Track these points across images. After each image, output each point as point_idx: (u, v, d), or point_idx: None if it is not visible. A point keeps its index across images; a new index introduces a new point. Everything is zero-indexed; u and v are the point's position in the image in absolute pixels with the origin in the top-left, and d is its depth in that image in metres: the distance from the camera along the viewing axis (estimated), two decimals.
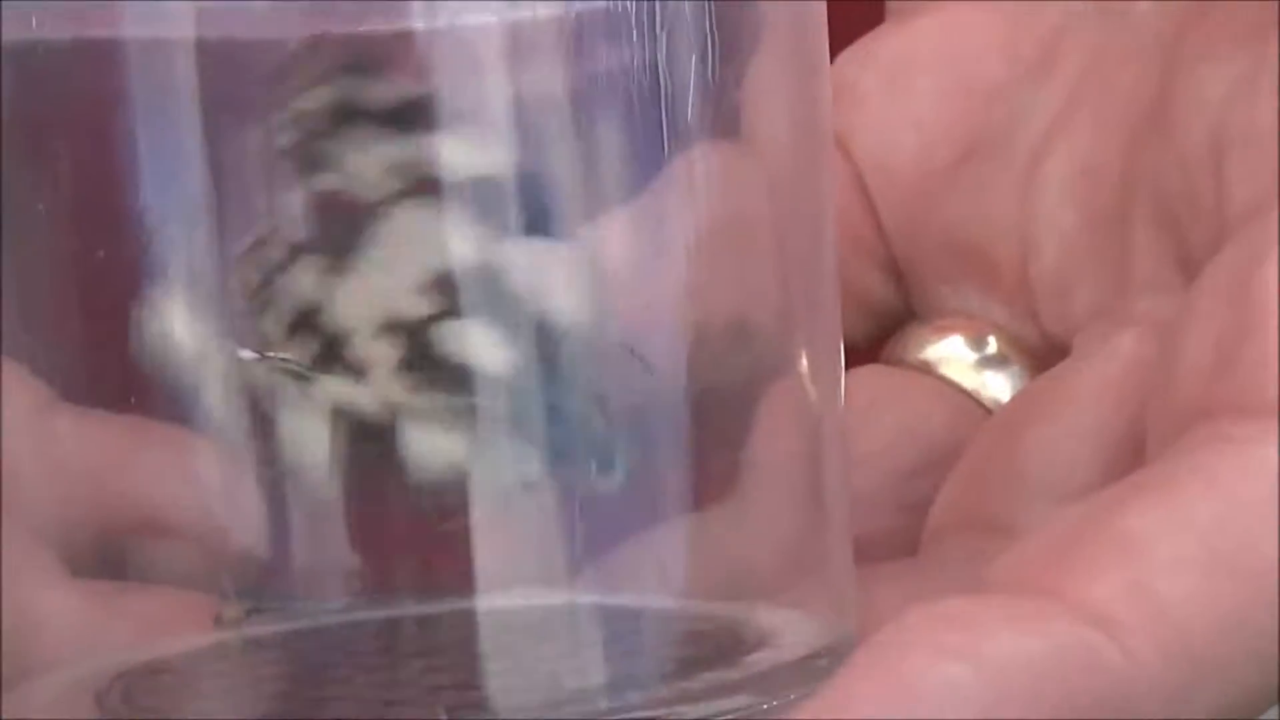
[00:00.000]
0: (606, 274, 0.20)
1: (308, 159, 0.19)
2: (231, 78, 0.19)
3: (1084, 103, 0.27)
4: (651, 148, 0.19)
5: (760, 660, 0.20)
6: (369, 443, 0.19)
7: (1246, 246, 0.21)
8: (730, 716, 0.19)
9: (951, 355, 0.27)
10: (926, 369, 0.27)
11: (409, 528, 0.19)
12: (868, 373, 0.27)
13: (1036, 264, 0.27)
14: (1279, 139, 0.23)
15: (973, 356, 0.27)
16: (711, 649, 0.20)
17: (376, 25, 0.19)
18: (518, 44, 0.19)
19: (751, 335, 0.21)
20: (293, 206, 0.19)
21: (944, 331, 0.27)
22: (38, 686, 0.20)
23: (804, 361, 0.21)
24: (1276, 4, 0.23)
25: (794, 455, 0.21)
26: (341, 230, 0.19)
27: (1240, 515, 0.19)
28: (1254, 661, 0.18)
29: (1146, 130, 0.26)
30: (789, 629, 0.20)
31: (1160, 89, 0.26)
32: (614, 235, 0.19)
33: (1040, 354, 0.27)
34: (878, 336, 0.28)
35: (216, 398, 0.19)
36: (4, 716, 0.20)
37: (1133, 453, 0.24)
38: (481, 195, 0.19)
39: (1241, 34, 0.24)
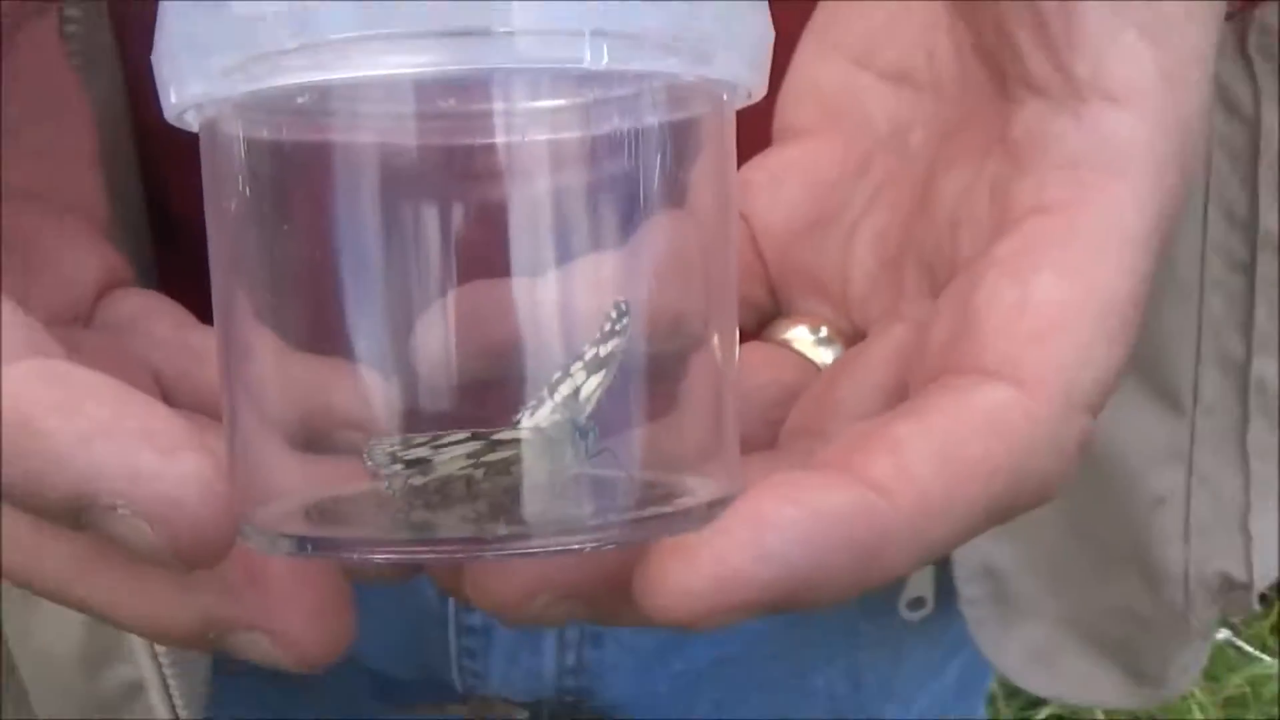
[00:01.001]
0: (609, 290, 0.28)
1: None
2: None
3: (882, 196, 0.38)
4: (633, 213, 0.28)
5: (687, 503, 0.28)
6: None
7: (966, 279, 0.30)
8: (668, 535, 0.26)
9: (800, 337, 0.39)
10: (786, 345, 0.39)
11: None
12: (751, 347, 0.39)
13: (851, 287, 0.38)
14: (988, 220, 0.32)
15: (811, 338, 0.38)
16: (659, 496, 0.28)
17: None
18: (560, 156, 0.27)
19: (685, 325, 0.29)
20: None
21: (796, 323, 0.39)
22: (271, 509, 0.29)
23: (715, 340, 0.29)
24: (997, 134, 0.32)
25: (707, 392, 0.30)
26: None
27: (961, 430, 0.27)
28: (966, 519, 0.27)
29: (917, 213, 0.35)
30: (703, 488, 0.29)
31: (925, 188, 0.35)
32: (611, 268, 0.28)
33: (851, 338, 0.38)
34: (759, 326, 0.40)
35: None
36: (255, 524, 0.28)
37: (899, 395, 0.32)
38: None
39: (968, 154, 0.34)
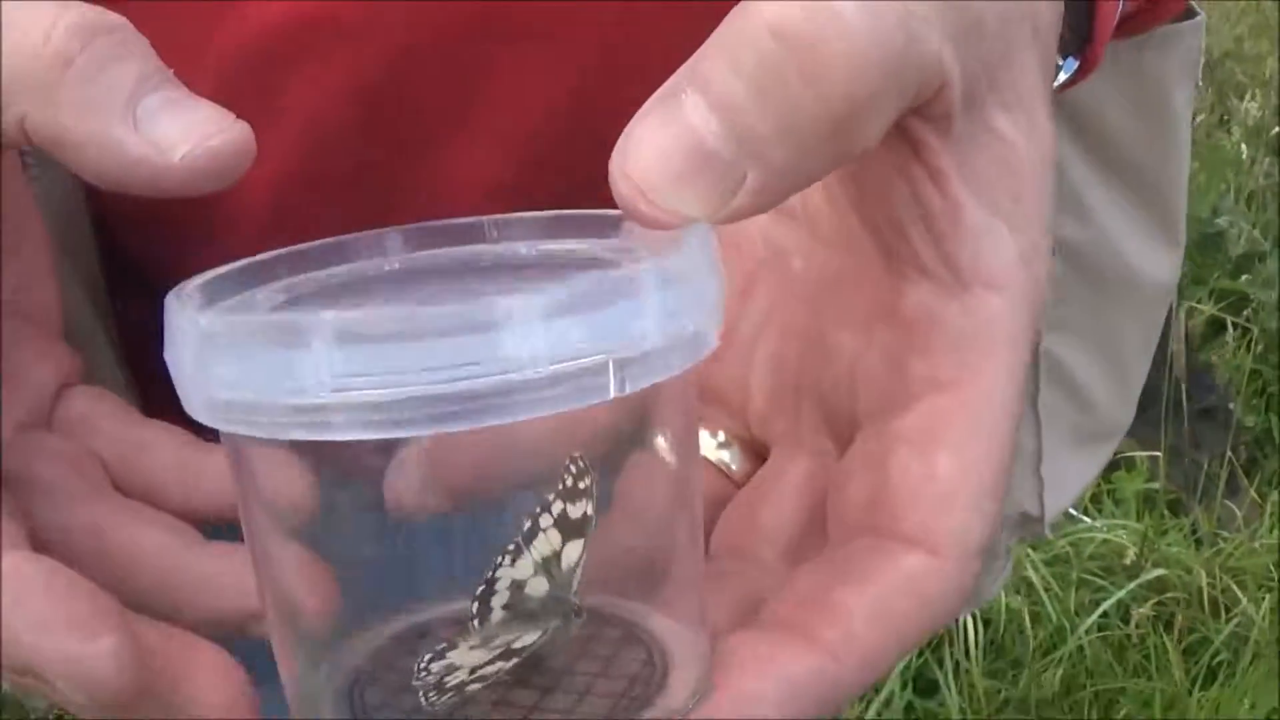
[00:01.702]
0: None
1: None
2: None
3: (773, 320, 0.41)
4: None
5: (673, 700, 0.33)
6: None
7: (876, 447, 0.36)
8: None
9: (703, 442, 0.42)
10: None
11: None
12: None
13: (751, 403, 0.42)
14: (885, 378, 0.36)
15: (713, 442, 0.43)
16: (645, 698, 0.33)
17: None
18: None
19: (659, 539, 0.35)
20: None
21: (702, 429, 0.42)
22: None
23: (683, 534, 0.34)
24: (885, 301, 0.37)
25: (688, 589, 0.35)
26: None
27: (890, 595, 0.33)
28: (890, 663, 0.33)
29: (812, 353, 0.40)
30: (686, 682, 0.33)
31: (817, 333, 0.40)
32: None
33: (748, 444, 0.42)
34: None
35: None
36: None
37: (810, 523, 0.38)
38: None
39: (857, 315, 0.38)
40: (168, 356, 0.30)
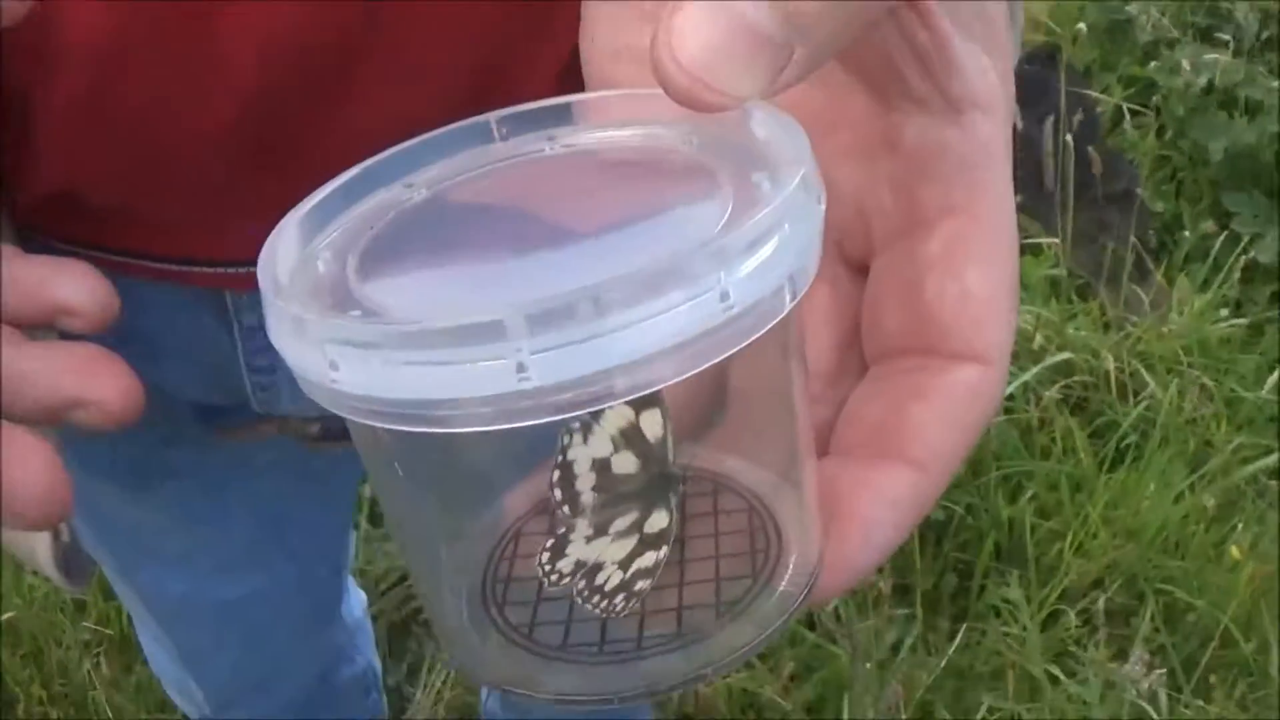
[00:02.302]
0: None
1: None
2: None
3: None
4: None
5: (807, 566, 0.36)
6: None
7: (906, 274, 0.38)
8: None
9: None
10: None
11: None
12: None
13: None
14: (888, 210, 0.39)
15: None
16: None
17: None
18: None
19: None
20: None
21: None
22: None
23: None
24: (880, 137, 0.39)
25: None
26: None
27: (956, 405, 0.36)
28: (961, 465, 0.37)
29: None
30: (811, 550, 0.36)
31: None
32: None
33: None
34: None
35: None
36: None
37: (846, 349, 0.41)
38: None
39: (854, 152, 0.40)
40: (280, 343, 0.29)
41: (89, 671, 1.86)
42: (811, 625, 1.84)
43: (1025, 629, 1.74)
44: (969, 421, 0.37)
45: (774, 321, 0.27)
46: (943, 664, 1.75)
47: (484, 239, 0.31)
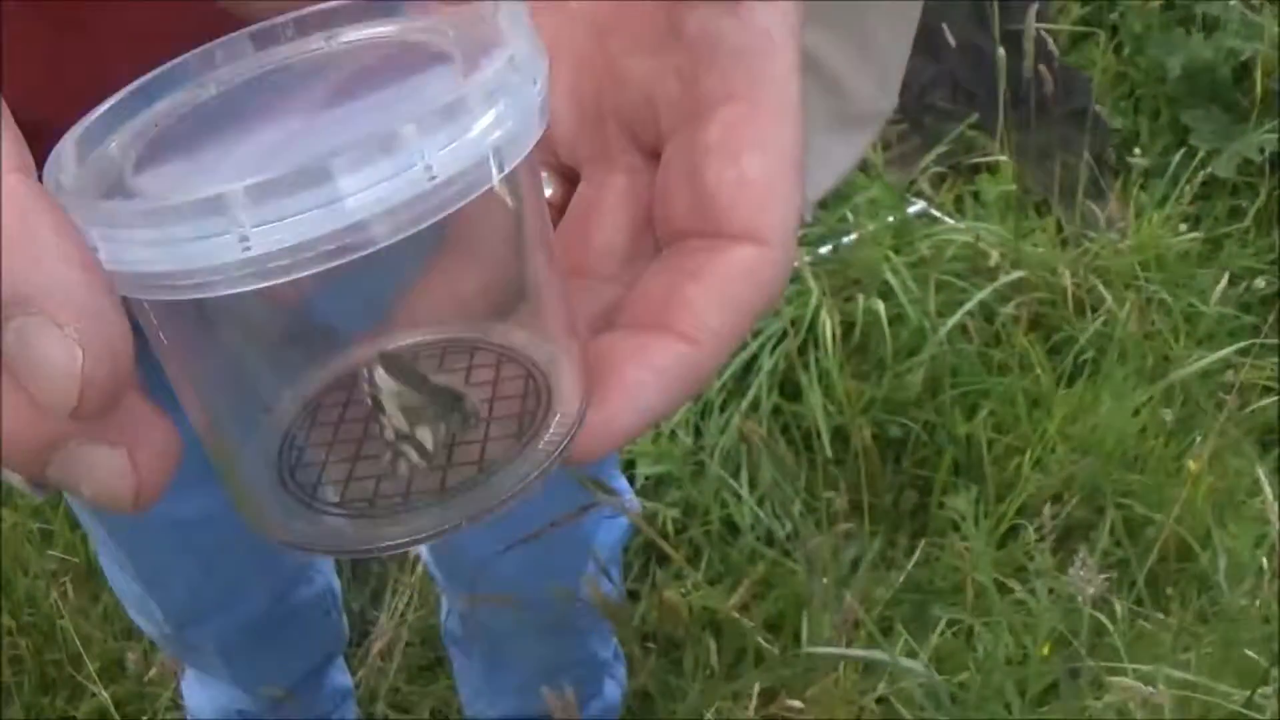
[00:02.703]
0: None
1: None
2: None
3: (562, 54, 0.43)
4: None
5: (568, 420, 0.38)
6: None
7: (686, 159, 0.39)
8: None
9: None
10: None
11: None
12: None
13: (556, 133, 0.44)
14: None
15: None
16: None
17: None
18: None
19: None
20: None
21: None
22: None
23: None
24: (665, 28, 0.40)
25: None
26: None
27: (731, 284, 0.38)
28: (737, 344, 0.38)
29: (609, 84, 0.43)
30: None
31: (605, 56, 0.43)
32: None
33: (558, 169, 0.45)
34: None
35: None
36: None
37: (638, 235, 0.42)
38: None
39: (642, 44, 0.41)
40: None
41: (56, 600, 1.87)
42: (770, 542, 1.86)
43: (979, 542, 1.75)
44: (744, 300, 0.38)
45: (480, 191, 0.30)
46: (901, 579, 1.77)
47: (244, 128, 0.33)
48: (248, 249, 0.28)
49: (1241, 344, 2.02)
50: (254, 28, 0.36)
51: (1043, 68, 2.24)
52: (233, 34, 0.36)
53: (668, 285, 0.39)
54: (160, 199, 0.28)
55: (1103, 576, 1.34)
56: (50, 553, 1.94)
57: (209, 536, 1.17)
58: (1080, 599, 1.38)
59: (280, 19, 0.36)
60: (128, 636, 1.83)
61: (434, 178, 0.29)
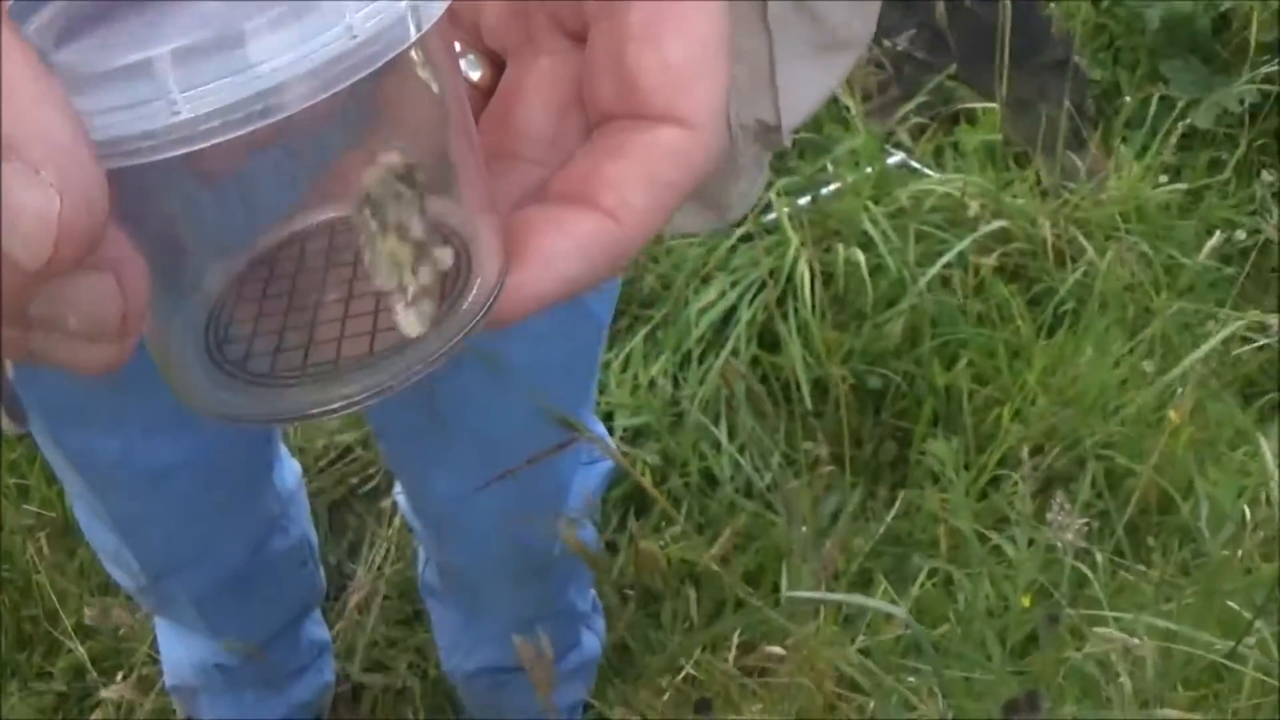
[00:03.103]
0: None
1: None
2: None
3: None
4: None
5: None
6: None
7: (609, 44, 0.40)
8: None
9: None
10: None
11: None
12: None
13: (481, 21, 0.45)
14: None
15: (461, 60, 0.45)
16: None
17: None
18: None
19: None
20: None
21: None
22: None
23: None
24: None
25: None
26: None
27: (655, 164, 0.39)
28: (661, 225, 0.39)
29: None
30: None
31: None
32: None
33: (486, 54, 0.45)
34: None
35: None
36: None
37: (565, 117, 0.43)
38: None
39: None
40: None
41: (32, 556, 1.86)
42: (749, 494, 1.85)
43: (959, 493, 1.75)
44: (667, 179, 0.39)
45: (400, 49, 0.32)
46: (881, 530, 1.77)
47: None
48: (176, 113, 0.29)
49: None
50: None
51: (1024, 18, 2.23)
52: None
53: (591, 164, 0.39)
54: (88, 67, 0.29)
55: (1081, 521, 1.33)
56: (26, 507, 1.93)
57: (184, 484, 1.17)
58: (1061, 547, 1.37)
59: None
60: (105, 592, 1.82)
61: (355, 37, 0.30)
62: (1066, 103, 2.21)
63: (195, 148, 0.29)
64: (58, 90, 0.27)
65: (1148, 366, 1.92)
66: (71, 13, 0.33)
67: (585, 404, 1.26)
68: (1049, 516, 1.36)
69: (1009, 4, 2.13)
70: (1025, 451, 1.65)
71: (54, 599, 1.82)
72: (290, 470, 1.45)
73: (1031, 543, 1.60)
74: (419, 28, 0.32)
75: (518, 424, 1.14)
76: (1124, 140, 2.30)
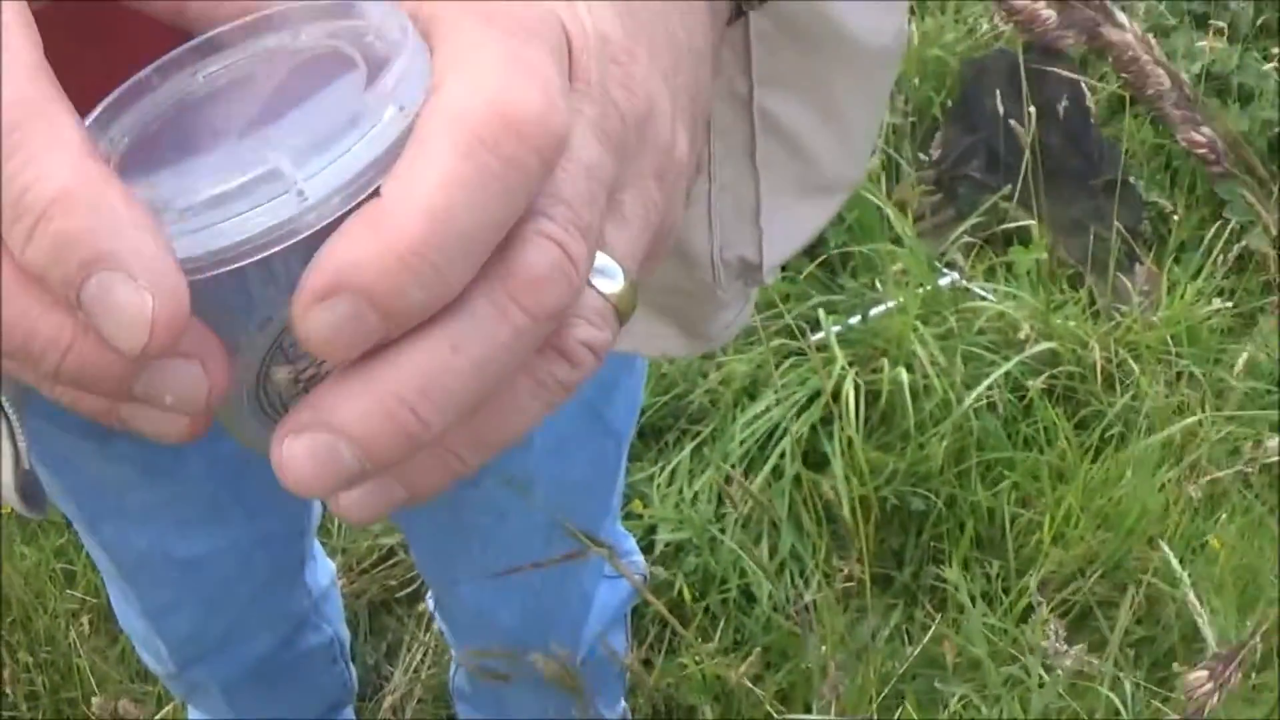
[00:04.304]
0: None
1: None
2: None
3: None
4: None
5: None
6: None
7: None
8: None
9: None
10: None
11: None
12: None
13: None
14: None
15: None
16: None
17: None
18: None
19: None
20: None
21: None
22: None
23: None
24: None
25: None
26: None
27: None
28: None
29: None
30: None
31: None
32: None
33: None
34: None
35: None
36: None
37: None
38: None
39: None
40: None
41: (74, 639, 1.93)
42: (788, 615, 1.88)
43: (975, 619, 1.77)
44: None
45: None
46: (915, 652, 1.79)
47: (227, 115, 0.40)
48: (305, 198, 0.35)
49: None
50: (194, 42, 0.41)
51: (1077, 139, 2.28)
52: (182, 48, 0.41)
53: None
54: (212, 188, 0.35)
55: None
56: (70, 592, 2.00)
57: (215, 573, 1.23)
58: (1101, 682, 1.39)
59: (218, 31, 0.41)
60: (144, 678, 1.87)
61: (402, 108, 0.36)
62: (1117, 224, 2.24)
63: (325, 222, 0.35)
64: (145, 215, 0.34)
65: (1193, 491, 1.93)
66: (123, 145, 0.39)
67: (606, 515, 1.30)
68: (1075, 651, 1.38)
69: (1067, 125, 2.18)
70: (1054, 582, 1.67)
71: (93, 682, 1.88)
72: (324, 569, 1.50)
73: (1050, 670, 1.62)
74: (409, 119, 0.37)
75: (539, 534, 1.18)
76: (1179, 262, 2.33)
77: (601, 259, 0.39)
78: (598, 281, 0.39)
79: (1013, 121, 2.19)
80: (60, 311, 0.34)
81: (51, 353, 0.35)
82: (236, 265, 0.35)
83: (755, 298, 0.83)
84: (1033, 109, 2.19)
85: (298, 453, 0.36)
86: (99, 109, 0.39)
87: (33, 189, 0.33)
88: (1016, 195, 2.34)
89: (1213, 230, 2.34)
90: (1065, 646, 1.35)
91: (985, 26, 2.80)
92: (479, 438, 0.38)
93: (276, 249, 0.35)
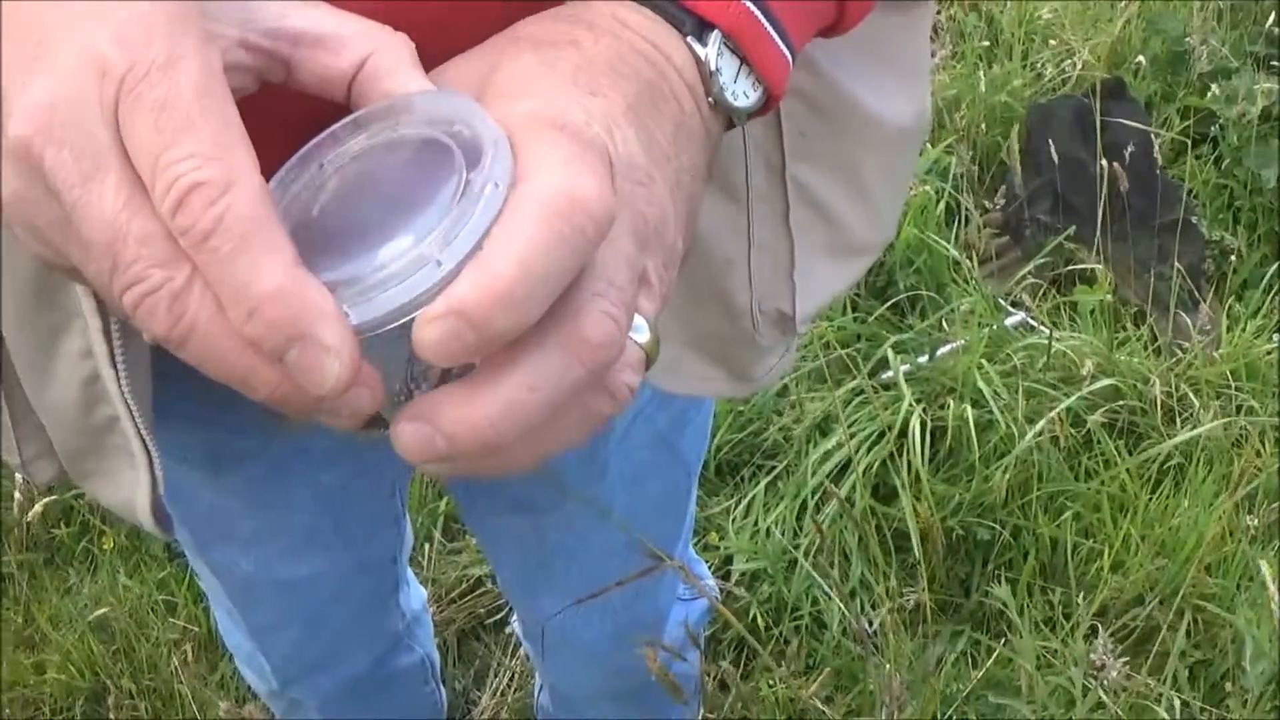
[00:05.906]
0: None
1: None
2: None
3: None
4: None
5: None
6: None
7: None
8: None
9: None
10: None
11: None
12: None
13: None
14: None
15: None
16: None
17: None
18: None
19: None
20: None
21: None
22: None
23: None
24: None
25: None
26: None
27: None
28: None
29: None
30: None
31: None
32: None
33: None
34: None
35: None
36: None
37: None
38: None
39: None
40: None
41: (176, 667, 2.07)
42: (858, 640, 2.00)
43: (1026, 643, 1.87)
44: None
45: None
46: (979, 675, 1.90)
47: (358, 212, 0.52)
48: (440, 266, 0.47)
49: None
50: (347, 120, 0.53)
51: (1143, 181, 2.37)
52: (337, 125, 0.53)
53: None
54: (377, 273, 0.48)
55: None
56: (173, 621, 2.14)
57: (315, 596, 1.34)
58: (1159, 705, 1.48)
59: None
60: (241, 703, 2.00)
61: (497, 185, 0.48)
62: (1177, 263, 2.34)
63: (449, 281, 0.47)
64: (333, 303, 0.47)
65: (1251, 521, 2.03)
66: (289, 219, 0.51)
67: (678, 540, 1.41)
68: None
69: (1132, 167, 2.28)
70: (1114, 608, 1.76)
71: (194, 708, 2.01)
72: (416, 595, 1.63)
73: (1109, 691, 1.72)
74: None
75: (617, 555, 1.29)
76: (1241, 299, 2.43)
77: (636, 319, 0.52)
78: (634, 335, 0.52)
79: (1086, 162, 2.28)
80: (272, 365, 0.47)
81: (265, 389, 0.48)
82: (394, 325, 0.48)
83: (797, 346, 0.95)
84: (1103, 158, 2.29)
85: (409, 432, 0.49)
86: (281, 173, 0.52)
87: (254, 284, 0.46)
88: (1083, 237, 2.45)
89: (1274, 267, 2.44)
90: (1124, 668, 1.45)
91: (1050, 72, 2.93)
92: (533, 448, 0.51)
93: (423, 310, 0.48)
